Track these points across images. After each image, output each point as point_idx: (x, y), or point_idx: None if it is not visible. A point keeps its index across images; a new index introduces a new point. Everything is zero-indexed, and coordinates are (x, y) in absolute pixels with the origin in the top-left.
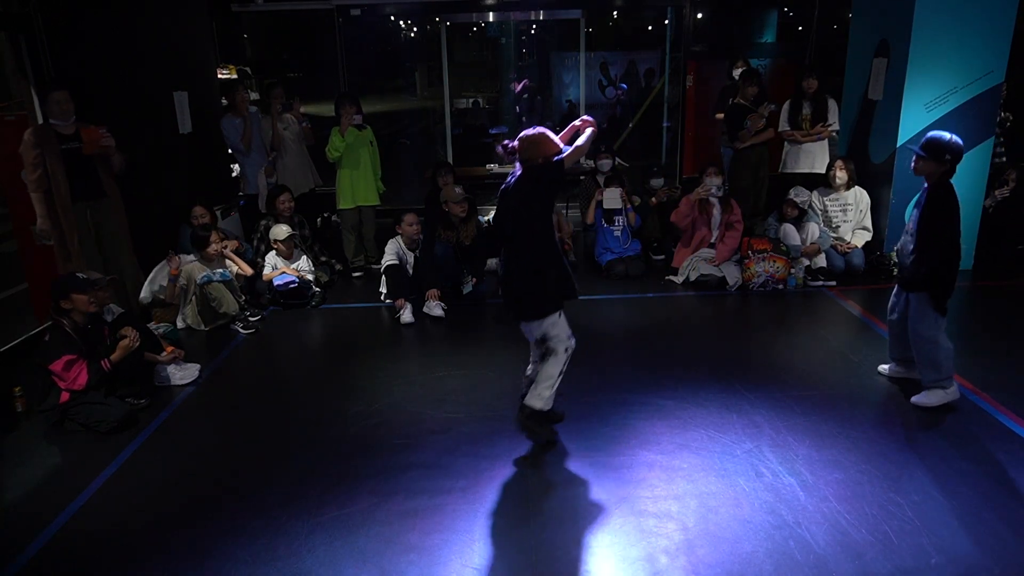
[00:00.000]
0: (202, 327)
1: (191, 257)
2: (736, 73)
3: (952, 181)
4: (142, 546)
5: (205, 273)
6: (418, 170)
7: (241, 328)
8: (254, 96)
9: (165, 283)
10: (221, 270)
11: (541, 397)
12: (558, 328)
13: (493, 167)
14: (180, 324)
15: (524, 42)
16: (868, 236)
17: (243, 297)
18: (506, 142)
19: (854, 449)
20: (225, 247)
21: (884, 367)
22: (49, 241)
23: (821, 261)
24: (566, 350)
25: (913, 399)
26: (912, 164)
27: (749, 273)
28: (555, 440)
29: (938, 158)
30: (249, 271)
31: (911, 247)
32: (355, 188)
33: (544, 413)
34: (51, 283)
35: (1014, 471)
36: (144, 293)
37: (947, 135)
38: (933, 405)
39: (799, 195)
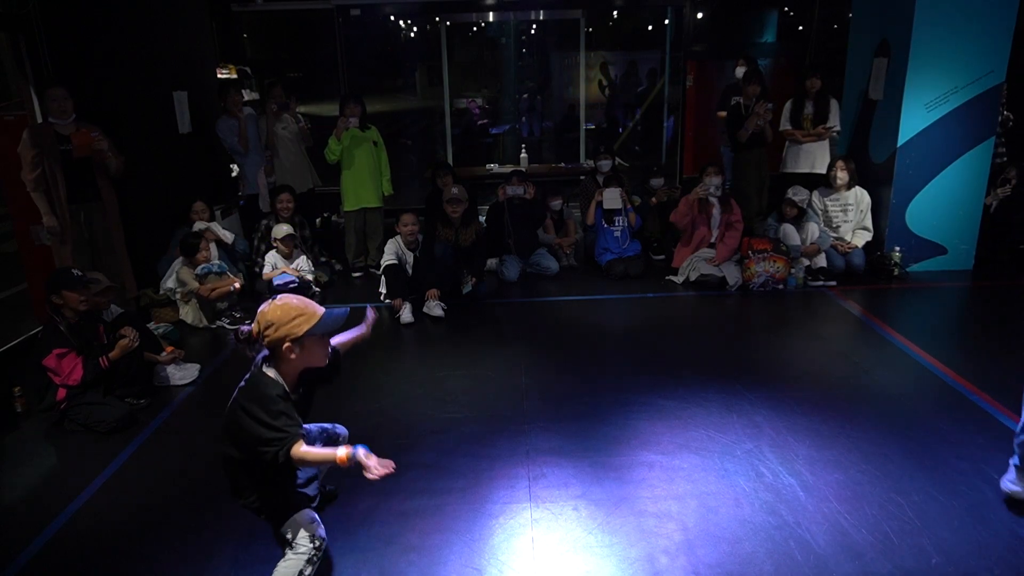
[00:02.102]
0: (203, 323)
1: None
2: (738, 72)
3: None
4: (142, 546)
5: (204, 265)
6: (419, 170)
7: (228, 324)
8: (254, 96)
9: (183, 276)
10: (218, 262)
11: None
12: (299, 527)
13: (493, 167)
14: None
15: (524, 42)
16: (869, 236)
17: (236, 296)
18: (243, 328)
19: (854, 449)
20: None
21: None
22: (53, 240)
23: (821, 261)
24: (312, 540)
25: None
26: None
27: (749, 273)
28: None
29: None
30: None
31: None
32: (357, 190)
33: None
34: (46, 279)
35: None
36: (170, 284)
37: None
38: None
39: (797, 193)
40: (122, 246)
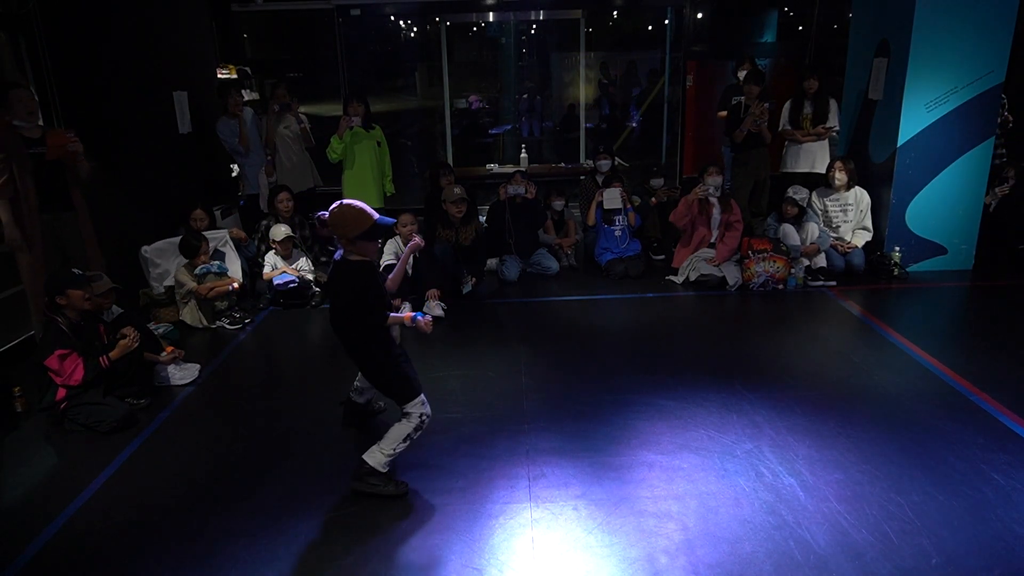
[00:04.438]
0: (203, 323)
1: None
2: (741, 74)
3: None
4: (142, 546)
5: (203, 265)
6: (419, 170)
7: (228, 324)
8: (254, 96)
9: (182, 278)
10: (218, 262)
11: (382, 454)
12: (415, 406)
13: (493, 167)
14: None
15: (524, 42)
16: (868, 236)
17: (235, 297)
18: (321, 213)
19: (854, 449)
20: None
21: None
22: (16, 250)
23: (821, 261)
24: (421, 417)
25: None
26: None
27: (749, 273)
28: (406, 491)
29: None
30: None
31: None
32: (359, 189)
33: (383, 475)
34: (46, 280)
35: (1014, 471)
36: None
37: None
38: None
39: (797, 192)
40: (98, 255)
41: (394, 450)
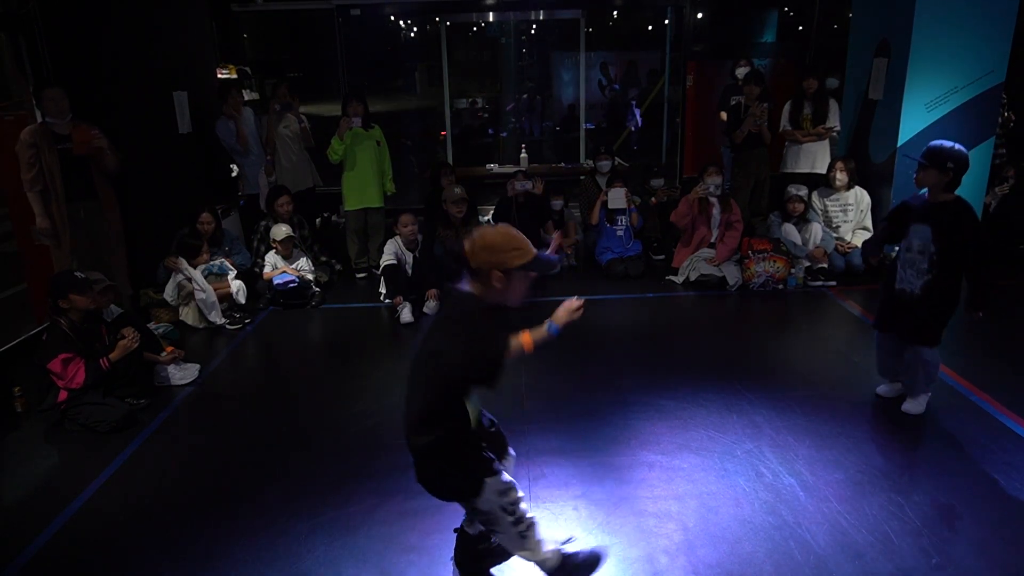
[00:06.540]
0: (203, 323)
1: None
2: (739, 73)
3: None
4: (141, 546)
5: (204, 265)
6: (419, 170)
7: (228, 324)
8: (254, 96)
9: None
10: (218, 263)
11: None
12: (491, 503)
13: (493, 167)
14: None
15: (524, 42)
16: (868, 236)
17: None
18: (453, 246)
19: (854, 449)
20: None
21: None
22: (48, 240)
23: (821, 261)
24: (512, 511)
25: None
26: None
27: (749, 273)
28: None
29: (940, 166)
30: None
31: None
32: (359, 189)
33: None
34: (49, 282)
35: (1014, 471)
36: (170, 294)
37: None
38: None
39: (798, 189)
40: (121, 244)
41: (534, 556)
